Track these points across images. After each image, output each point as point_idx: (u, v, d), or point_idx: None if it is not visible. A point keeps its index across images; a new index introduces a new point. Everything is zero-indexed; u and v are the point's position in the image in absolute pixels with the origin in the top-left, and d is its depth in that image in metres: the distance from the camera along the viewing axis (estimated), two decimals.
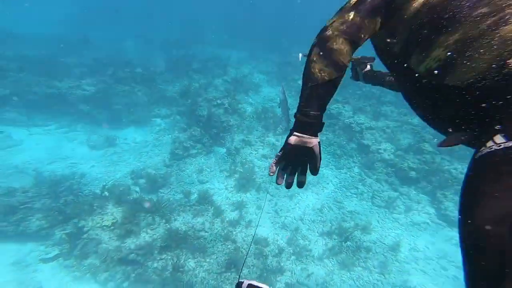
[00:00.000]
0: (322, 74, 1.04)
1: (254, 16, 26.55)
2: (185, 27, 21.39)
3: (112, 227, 5.67)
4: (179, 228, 6.29)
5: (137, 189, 7.67)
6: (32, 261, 5.53)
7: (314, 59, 1.05)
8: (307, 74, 1.08)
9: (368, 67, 1.65)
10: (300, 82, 1.15)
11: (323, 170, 8.97)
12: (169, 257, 5.72)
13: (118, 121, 10.47)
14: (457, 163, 8.38)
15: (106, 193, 6.62)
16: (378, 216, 7.63)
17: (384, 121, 10.27)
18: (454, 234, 7.12)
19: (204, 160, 9.38)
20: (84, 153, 9.04)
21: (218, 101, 10.89)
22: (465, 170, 0.88)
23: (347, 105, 10.82)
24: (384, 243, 6.88)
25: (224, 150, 9.87)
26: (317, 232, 7.08)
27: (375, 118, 10.33)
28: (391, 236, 7.09)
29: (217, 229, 6.63)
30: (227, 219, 6.95)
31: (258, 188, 8.08)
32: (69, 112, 10.01)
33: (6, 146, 8.21)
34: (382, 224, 7.43)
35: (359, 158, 9.20)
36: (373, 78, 1.66)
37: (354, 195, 8.19)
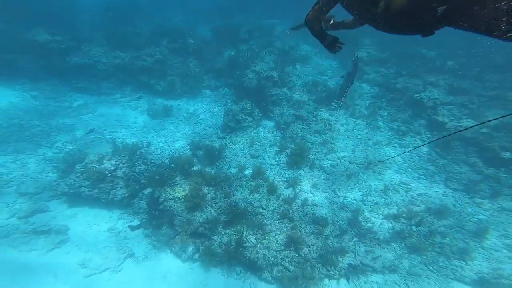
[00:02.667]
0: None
1: None
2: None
3: (183, 200, 5.52)
4: (239, 204, 5.98)
5: (197, 160, 7.40)
6: (121, 228, 5.71)
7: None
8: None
9: (332, 20, 2.16)
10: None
11: (384, 148, 7.82)
12: (232, 232, 5.52)
13: (173, 91, 10.02)
14: None
15: (173, 165, 6.41)
16: (455, 200, 6.52)
17: (466, 96, 8.20)
18: None
19: (254, 134, 8.72)
20: (146, 121, 8.91)
21: (267, 74, 9.71)
22: None
23: (416, 79, 8.93)
24: (464, 229, 5.84)
25: (273, 123, 9.06)
26: (381, 214, 6.22)
27: (453, 93, 8.42)
28: (471, 222, 6.00)
29: (273, 206, 6.21)
30: (282, 196, 6.43)
31: (311, 166, 7.28)
32: (131, 82, 9.71)
33: (85, 113, 8.29)
34: (460, 208, 6.34)
35: (430, 135, 7.74)
36: (338, 25, 2.16)
37: (423, 177, 7.01)
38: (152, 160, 7.02)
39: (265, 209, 6.09)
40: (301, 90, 9.55)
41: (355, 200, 6.53)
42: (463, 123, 7.10)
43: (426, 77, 8.99)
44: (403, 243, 5.63)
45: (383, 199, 6.49)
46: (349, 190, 6.73)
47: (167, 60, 10.39)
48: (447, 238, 5.58)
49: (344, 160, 7.40)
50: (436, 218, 5.90)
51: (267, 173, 7.12)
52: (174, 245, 5.21)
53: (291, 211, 6.07)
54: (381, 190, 6.69)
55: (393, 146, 7.76)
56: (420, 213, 5.92)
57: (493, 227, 5.74)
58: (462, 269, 5.16)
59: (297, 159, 7.14)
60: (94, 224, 5.94)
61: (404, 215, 5.98)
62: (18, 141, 7.08)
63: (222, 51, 12.08)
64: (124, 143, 7.47)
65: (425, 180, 6.86)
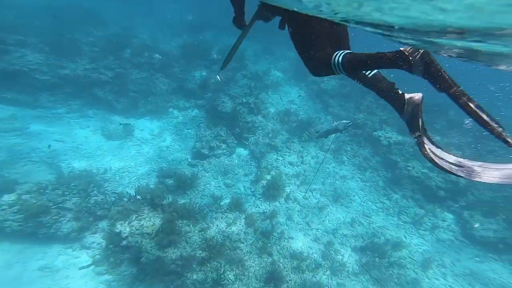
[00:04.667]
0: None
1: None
2: (197, 8, 20.15)
3: (153, 235, 5.25)
4: (215, 237, 5.98)
5: (166, 191, 7.17)
6: (61, 265, 5.00)
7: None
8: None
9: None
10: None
11: (349, 182, 8.94)
12: (209, 269, 5.43)
13: (135, 109, 9.74)
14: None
15: (139, 197, 6.11)
16: (405, 232, 7.77)
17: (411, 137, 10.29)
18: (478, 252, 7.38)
19: (228, 162, 9.00)
20: (100, 143, 8.33)
21: (243, 99, 10.41)
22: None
23: (373, 116, 10.76)
24: (413, 259, 7.00)
25: (247, 152, 9.53)
26: (350, 247, 7.06)
27: (401, 132, 10.33)
28: (418, 253, 7.24)
29: (251, 239, 6.40)
30: (260, 229, 6.72)
31: (287, 198, 7.90)
32: (81, 96, 9.10)
33: (12, 129, 7.28)
34: (410, 240, 7.56)
35: (385, 172, 9.24)
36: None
37: (380, 210, 8.26)
38: (111, 189, 6.53)
39: (243, 243, 6.22)
40: (275, 118, 10.43)
41: (326, 232, 7.29)
42: (410, 163, 8.85)
43: (380, 114, 10.90)
44: (367, 275, 6.41)
45: (350, 231, 7.43)
46: (321, 223, 7.50)
47: (129, 74, 10.20)
48: (402, 269, 6.68)
49: (316, 193, 8.25)
50: (393, 249, 6.96)
51: (244, 204, 7.34)
52: (136, 284, 4.81)
53: (269, 244, 6.34)
54: (348, 223, 7.64)
55: (355, 180, 9.03)
56: (381, 245, 6.90)
57: (433, 257, 7.13)
58: None
59: (274, 191, 7.68)
60: (16, 263, 5.02)
61: (369, 247, 6.89)
62: None
63: (192, 71, 12.44)
64: (71, 169, 6.80)
65: (382, 213, 8.16)
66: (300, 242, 6.90)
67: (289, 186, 8.32)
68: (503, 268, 7.02)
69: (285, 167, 8.94)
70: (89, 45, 10.78)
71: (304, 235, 7.15)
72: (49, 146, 7.25)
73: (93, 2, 15.65)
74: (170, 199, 6.51)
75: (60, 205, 5.35)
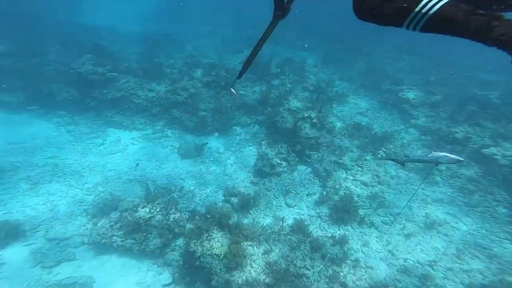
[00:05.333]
0: None
1: (329, 15, 24.52)
2: (253, 23, 21.18)
3: (222, 257, 5.88)
4: (279, 262, 6.22)
5: (232, 210, 7.85)
6: (151, 281, 6.10)
7: None
8: None
9: None
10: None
11: (446, 206, 7.93)
12: None
13: (204, 128, 10.93)
14: None
15: (209, 215, 6.90)
16: None
17: None
18: None
19: (289, 180, 9.18)
20: (176, 161, 9.68)
21: (305, 114, 10.45)
22: None
23: (478, 128, 9.15)
24: None
25: (310, 169, 9.53)
26: (461, 283, 6.05)
27: None
28: None
29: (318, 266, 6.35)
30: (329, 255, 6.56)
31: (361, 222, 7.45)
32: (163, 116, 10.78)
33: (116, 150, 9.28)
34: None
35: (507, 196, 7.68)
36: None
37: (507, 240, 6.85)
38: (185, 207, 7.57)
39: (309, 270, 6.24)
40: (342, 133, 10.08)
41: (419, 263, 6.53)
42: None
43: (491, 126, 9.20)
44: None
45: (458, 265, 6.43)
46: (410, 252, 6.77)
47: (200, 94, 11.54)
48: None
49: (400, 218, 7.55)
50: None
51: (308, 227, 7.33)
52: None
53: (342, 274, 6.16)
54: (453, 254, 6.66)
55: (457, 205, 7.82)
56: None
57: None
58: None
59: (344, 214, 7.37)
60: (121, 276, 6.36)
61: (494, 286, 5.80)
62: (51, 182, 8.01)
63: (253, 85, 13.19)
64: (156, 187, 8.16)
65: (510, 245, 6.72)
66: (382, 273, 6.37)
67: (363, 208, 7.88)
68: None
69: (356, 187, 8.52)
70: (170, 67, 12.80)
71: (388, 265, 6.56)
72: (137, 164, 8.90)
73: (174, 28, 18.42)
74: (235, 219, 7.12)
75: (148, 222, 6.53)
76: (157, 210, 6.77)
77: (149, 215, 6.63)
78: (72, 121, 10.21)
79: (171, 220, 6.74)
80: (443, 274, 6.28)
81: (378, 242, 6.98)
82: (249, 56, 1.98)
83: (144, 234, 6.29)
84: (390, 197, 7.96)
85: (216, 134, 10.96)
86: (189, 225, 7.02)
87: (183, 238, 6.55)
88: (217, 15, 22.70)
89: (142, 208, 6.69)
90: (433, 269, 6.36)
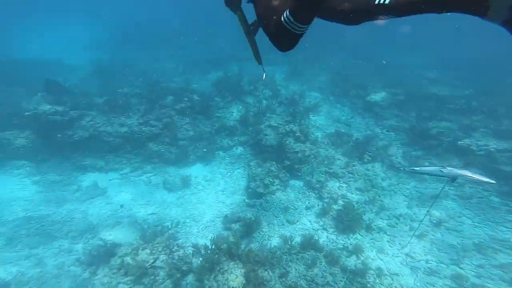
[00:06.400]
0: None
1: None
2: (210, 43, 21.97)
3: None
4: (299, 283, 6.49)
5: (232, 236, 7.95)
6: None
7: None
8: None
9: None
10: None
11: (442, 201, 8.64)
12: None
13: (186, 158, 10.97)
14: None
15: (214, 246, 6.96)
16: None
17: None
18: None
19: (284, 197, 9.65)
20: (164, 197, 9.55)
21: (287, 128, 11.17)
22: None
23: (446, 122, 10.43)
24: None
25: (302, 183, 10.13)
26: (503, 280, 6.32)
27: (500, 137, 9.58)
28: None
29: (341, 281, 6.64)
30: (349, 268, 6.93)
31: (368, 228, 8.03)
32: (140, 152, 10.59)
33: (95, 195, 8.85)
34: None
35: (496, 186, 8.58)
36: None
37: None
38: (185, 242, 7.51)
39: (334, 287, 6.55)
40: (325, 143, 10.97)
41: (443, 263, 6.96)
42: None
43: (456, 119, 10.77)
44: None
45: (485, 261, 6.87)
46: (428, 252, 7.28)
47: (175, 122, 11.61)
48: None
49: (403, 218, 8.26)
50: None
51: (318, 241, 7.67)
52: None
53: (369, 285, 6.49)
54: (474, 250, 7.14)
55: (452, 199, 8.82)
56: None
57: None
58: None
59: (349, 223, 7.94)
60: None
61: None
62: (28, 235, 7.36)
63: (229, 106, 13.66)
64: (149, 226, 7.96)
65: None
66: (410, 278, 6.68)
67: (365, 214, 8.50)
68: None
69: (352, 193, 9.28)
70: (136, 97, 12.62)
71: (412, 269, 6.93)
72: (122, 206, 8.61)
73: (130, 55, 18.24)
74: (243, 246, 7.27)
75: (153, 264, 6.37)
76: (159, 250, 6.66)
77: (152, 257, 6.47)
78: (36, 171, 9.50)
79: (176, 259, 6.65)
80: (475, 272, 6.65)
81: (391, 247, 7.54)
82: (250, 41, 2.20)
83: (152, 277, 6.11)
84: (387, 199, 8.85)
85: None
86: (195, 260, 6.98)
87: (193, 275, 6.50)
88: (175, 38, 23.13)
89: (143, 250, 6.51)
90: (460, 267, 6.74)
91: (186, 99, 12.85)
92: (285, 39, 1.68)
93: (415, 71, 17.79)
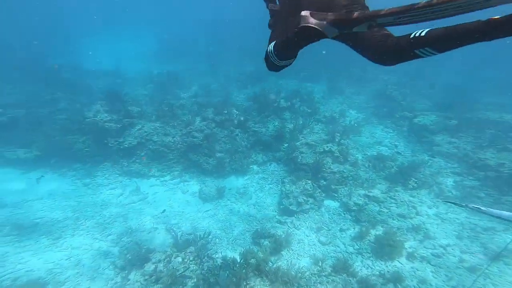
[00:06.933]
0: None
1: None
2: (254, 55, 22.83)
3: None
4: None
5: (261, 252, 7.96)
6: None
7: None
8: None
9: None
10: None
11: (501, 234, 7.90)
12: None
13: (222, 169, 11.39)
14: None
15: (243, 260, 7.04)
16: None
17: None
18: None
19: (318, 217, 9.44)
20: (198, 205, 9.99)
21: (325, 147, 11.05)
22: None
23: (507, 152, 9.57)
24: None
25: (338, 204, 9.84)
26: None
27: None
28: None
29: None
30: None
31: (410, 256, 7.58)
32: (180, 161, 11.30)
33: (137, 200, 9.64)
34: None
35: None
36: None
37: None
38: (214, 253, 7.71)
39: None
40: (366, 165, 10.59)
41: None
42: None
43: None
44: None
45: None
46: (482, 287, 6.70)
47: (215, 134, 12.21)
48: None
49: (452, 249, 7.68)
50: None
51: (352, 266, 7.37)
52: None
53: None
54: None
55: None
56: None
57: None
58: None
59: (388, 249, 7.54)
60: None
61: None
62: (73, 236, 8.24)
63: (265, 121, 13.98)
64: (182, 234, 8.37)
65: None
66: None
67: (407, 242, 8.06)
68: None
69: (394, 219, 8.80)
70: (180, 108, 13.58)
71: None
72: (164, 211, 9.21)
73: (176, 67, 19.91)
74: (271, 263, 7.24)
75: (183, 273, 6.66)
76: (191, 259, 6.93)
77: (183, 265, 6.77)
78: (88, 173, 10.69)
79: (205, 270, 6.86)
80: None
81: (436, 278, 7.03)
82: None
83: (180, 286, 6.38)
84: (434, 228, 8.19)
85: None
86: (223, 273, 7.11)
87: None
88: (217, 52, 24.66)
89: (175, 258, 6.85)
90: None
91: (225, 111, 13.51)
92: (270, 65, 1.98)
93: (470, 94, 16.46)
